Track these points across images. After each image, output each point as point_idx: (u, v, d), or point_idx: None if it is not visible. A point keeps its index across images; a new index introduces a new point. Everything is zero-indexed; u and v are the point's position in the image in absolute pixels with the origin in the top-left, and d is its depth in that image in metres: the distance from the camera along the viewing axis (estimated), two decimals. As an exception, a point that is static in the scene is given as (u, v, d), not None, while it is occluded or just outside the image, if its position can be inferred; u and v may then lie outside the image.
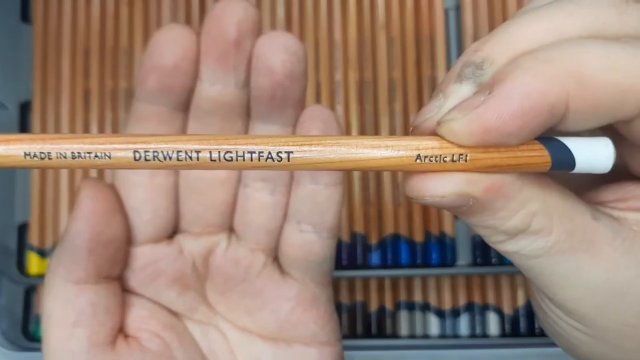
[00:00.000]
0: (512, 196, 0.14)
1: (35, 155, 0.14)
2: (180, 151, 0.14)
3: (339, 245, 0.39)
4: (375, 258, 0.39)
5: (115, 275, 0.22)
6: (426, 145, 0.14)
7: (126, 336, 0.22)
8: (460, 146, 0.14)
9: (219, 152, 0.14)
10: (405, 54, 0.40)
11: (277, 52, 0.19)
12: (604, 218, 0.15)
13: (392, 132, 0.39)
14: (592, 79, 0.13)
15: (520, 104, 0.13)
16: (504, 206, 0.14)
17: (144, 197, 0.21)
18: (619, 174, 0.16)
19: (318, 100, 0.40)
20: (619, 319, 0.15)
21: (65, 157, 0.14)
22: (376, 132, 0.39)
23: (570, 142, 0.14)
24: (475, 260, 0.39)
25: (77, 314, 0.20)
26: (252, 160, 0.14)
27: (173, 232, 0.23)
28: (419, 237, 0.39)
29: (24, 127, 0.41)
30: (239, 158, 0.14)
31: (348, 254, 0.39)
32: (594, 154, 0.14)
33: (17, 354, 0.38)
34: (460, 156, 0.14)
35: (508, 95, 0.13)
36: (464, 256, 0.39)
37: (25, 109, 0.41)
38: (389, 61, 0.40)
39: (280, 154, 0.14)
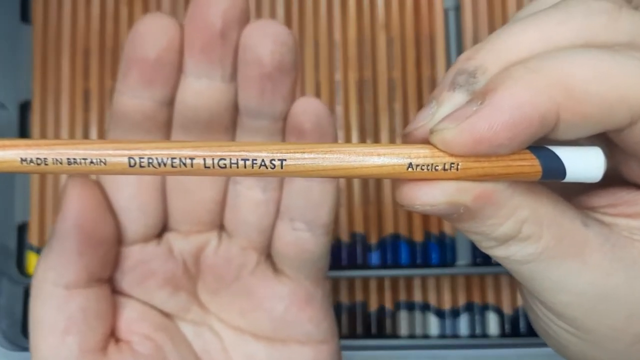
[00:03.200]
0: (502, 204, 0.14)
1: (32, 161, 0.14)
2: (175, 158, 0.14)
3: (339, 245, 0.39)
4: (375, 258, 0.39)
5: (106, 277, 0.21)
6: (418, 154, 0.14)
7: (117, 340, 0.21)
8: (451, 155, 0.14)
9: (213, 159, 0.14)
10: (405, 53, 0.40)
11: (266, 42, 0.18)
12: (594, 224, 0.15)
13: (391, 132, 0.39)
14: (582, 91, 0.13)
15: (511, 115, 0.13)
16: (494, 214, 0.14)
17: (131, 195, 0.20)
18: (610, 179, 0.16)
19: (318, 100, 0.40)
20: (607, 322, 0.15)
21: (61, 163, 0.14)
22: (376, 131, 0.39)
23: (561, 152, 0.14)
24: (475, 260, 0.39)
25: (67, 321, 0.20)
26: (245, 167, 0.14)
27: (162, 231, 0.22)
28: (418, 237, 0.39)
29: (23, 127, 0.41)
30: (232, 165, 0.14)
31: (348, 254, 0.39)
32: (584, 164, 0.14)
33: (17, 354, 0.38)
34: (452, 165, 0.14)
35: (499, 107, 0.13)
36: (463, 256, 0.39)
37: (25, 109, 0.41)
38: (388, 61, 0.40)
39: (273, 162, 0.14)
